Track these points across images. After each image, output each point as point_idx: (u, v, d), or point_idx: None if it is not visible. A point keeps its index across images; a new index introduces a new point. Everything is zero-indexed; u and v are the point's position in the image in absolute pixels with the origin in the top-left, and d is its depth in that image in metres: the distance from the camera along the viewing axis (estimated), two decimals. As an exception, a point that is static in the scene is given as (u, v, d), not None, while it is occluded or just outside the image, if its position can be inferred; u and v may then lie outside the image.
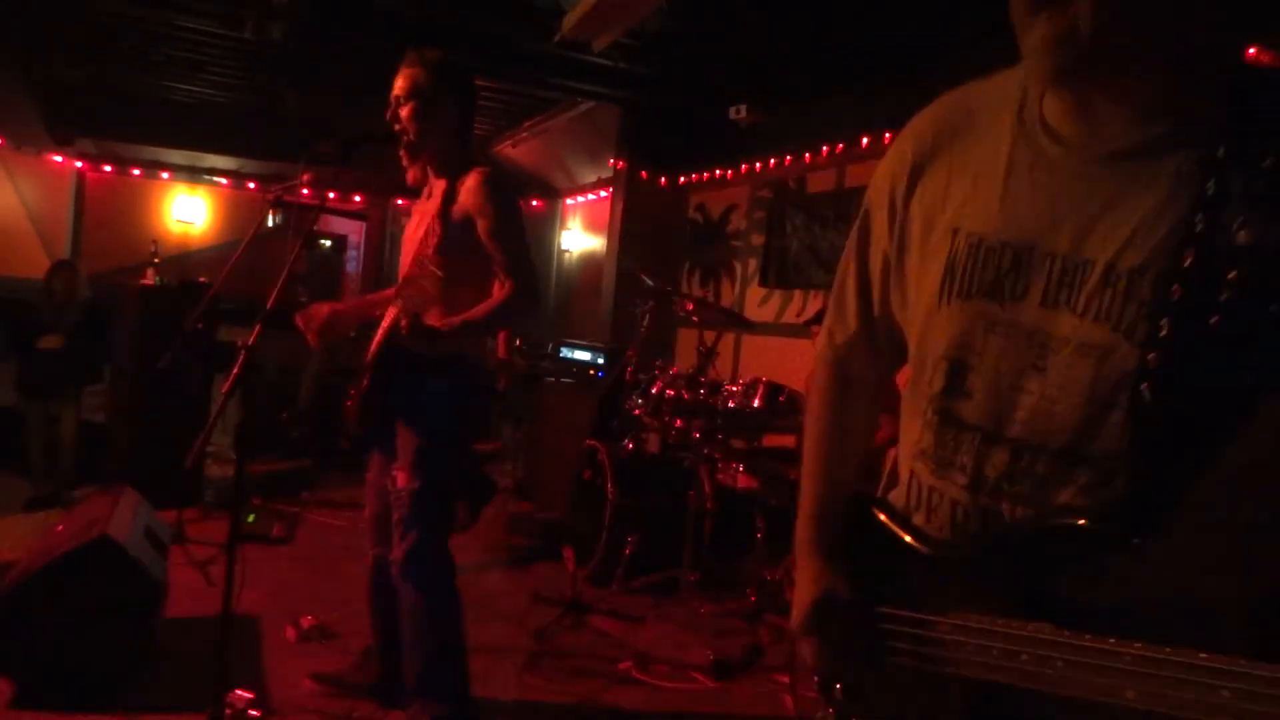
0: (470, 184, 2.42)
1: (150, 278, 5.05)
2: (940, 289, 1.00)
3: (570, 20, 4.42)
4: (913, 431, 1.05)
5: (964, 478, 0.97)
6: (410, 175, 2.58)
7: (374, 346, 2.54)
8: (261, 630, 3.42)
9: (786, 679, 3.33)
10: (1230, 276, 0.80)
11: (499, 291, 2.41)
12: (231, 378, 2.23)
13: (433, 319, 2.36)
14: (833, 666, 1.13)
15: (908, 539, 1.04)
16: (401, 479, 2.46)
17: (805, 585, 1.14)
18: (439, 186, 2.53)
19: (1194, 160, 0.84)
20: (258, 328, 2.27)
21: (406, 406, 2.48)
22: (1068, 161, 0.93)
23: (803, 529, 1.19)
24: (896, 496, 1.08)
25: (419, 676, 2.52)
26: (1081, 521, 0.86)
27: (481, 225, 2.38)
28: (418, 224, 2.57)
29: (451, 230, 2.41)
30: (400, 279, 2.54)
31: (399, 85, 2.49)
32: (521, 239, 2.42)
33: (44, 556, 2.76)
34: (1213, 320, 0.80)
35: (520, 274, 2.36)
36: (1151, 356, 0.83)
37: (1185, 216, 0.83)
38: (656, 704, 3.14)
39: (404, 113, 2.46)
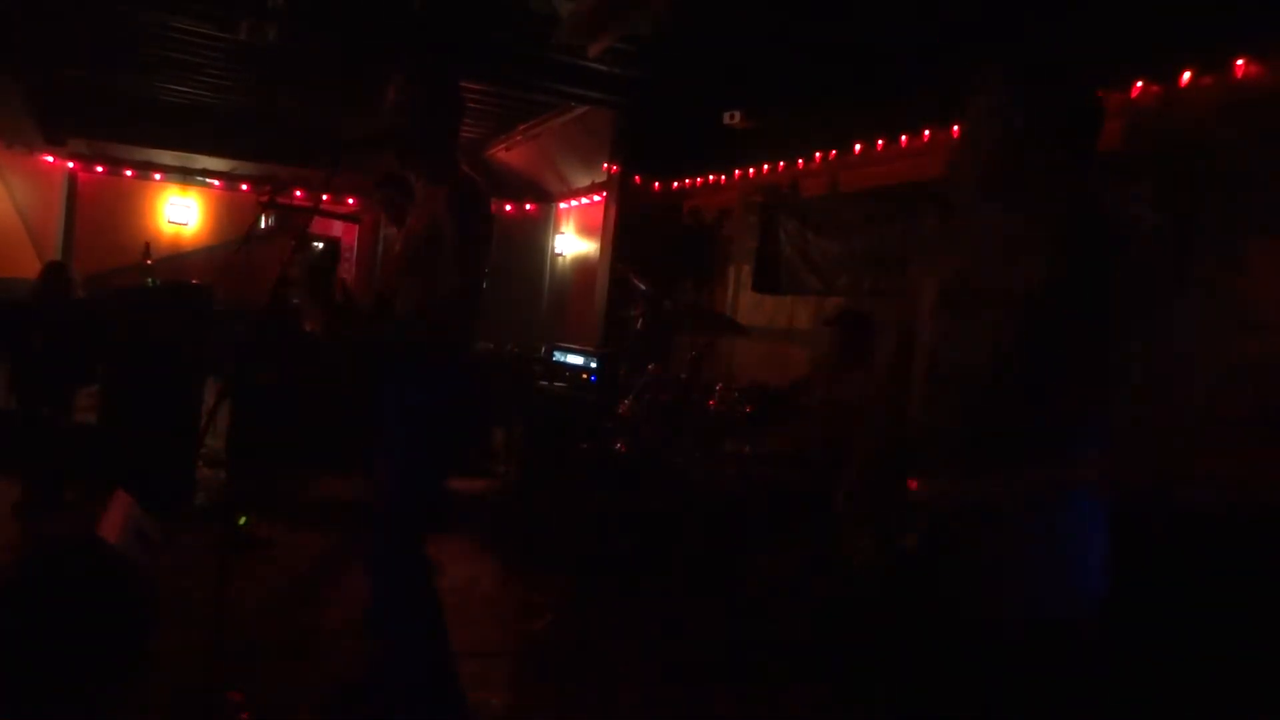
0: (443, 192, 2.46)
1: (143, 278, 5.04)
2: None
3: (565, 25, 4.43)
4: None
5: None
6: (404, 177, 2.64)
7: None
8: (253, 632, 3.41)
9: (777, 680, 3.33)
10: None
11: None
12: (224, 380, 2.24)
13: None
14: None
15: None
16: (383, 471, 2.48)
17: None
18: (425, 195, 2.59)
19: None
20: (251, 330, 2.28)
21: (394, 401, 2.51)
22: None
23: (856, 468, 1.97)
24: None
25: (388, 676, 2.50)
26: None
27: (445, 228, 2.42)
28: (404, 236, 2.64)
29: (424, 235, 2.48)
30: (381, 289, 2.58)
31: (391, 93, 2.54)
32: (475, 247, 2.44)
33: (32, 558, 2.75)
34: None
35: (463, 274, 2.39)
36: None
37: None
38: (652, 706, 3.14)
39: (396, 120, 2.52)
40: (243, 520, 4.74)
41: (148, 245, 5.31)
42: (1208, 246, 3.68)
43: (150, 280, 5.11)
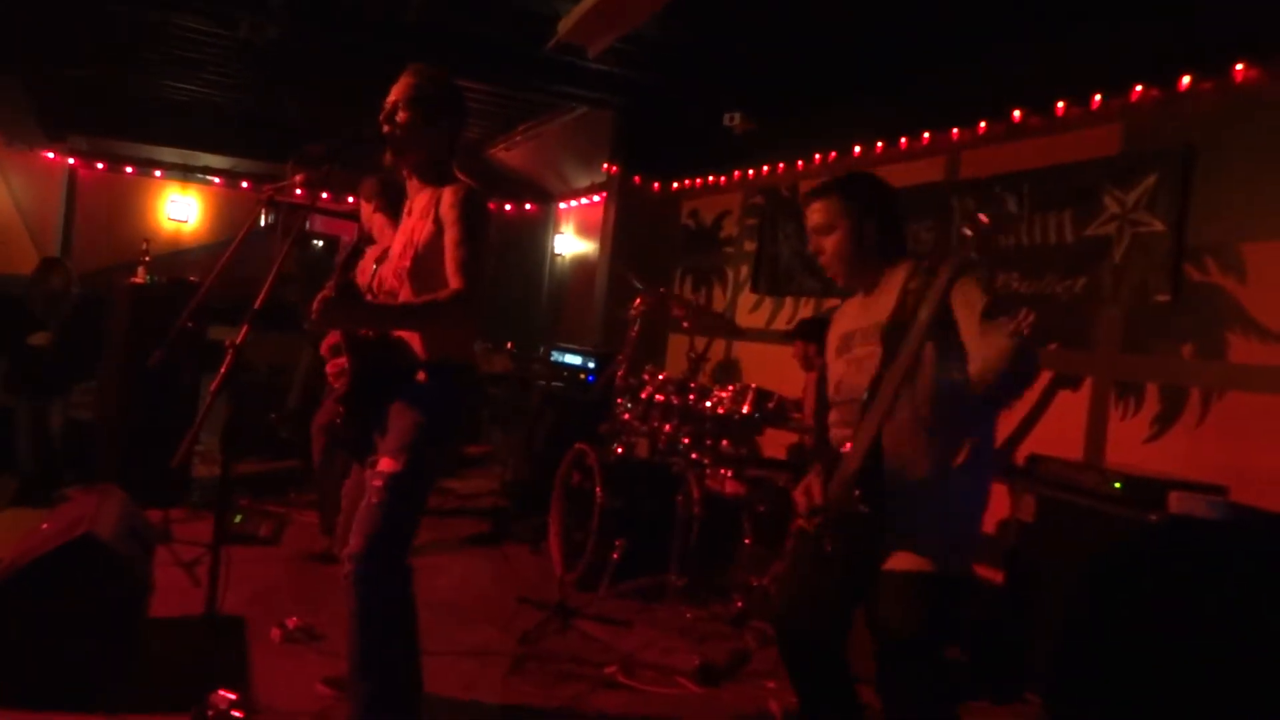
0: (447, 196, 2.48)
1: (141, 276, 5.04)
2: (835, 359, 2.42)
3: (565, 26, 4.43)
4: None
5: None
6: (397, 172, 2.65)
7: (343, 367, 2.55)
8: (247, 631, 3.41)
9: (773, 685, 3.33)
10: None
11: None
12: (219, 377, 2.24)
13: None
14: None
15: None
16: (384, 463, 2.46)
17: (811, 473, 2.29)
18: (421, 199, 2.58)
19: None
20: (245, 327, 2.28)
21: (398, 402, 2.49)
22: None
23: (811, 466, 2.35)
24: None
25: (362, 682, 2.48)
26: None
27: (449, 233, 2.43)
28: (399, 242, 2.62)
29: (430, 244, 2.47)
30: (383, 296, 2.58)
31: (398, 90, 2.55)
32: (479, 252, 2.45)
33: (27, 555, 2.75)
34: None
35: (467, 280, 2.39)
36: None
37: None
38: (642, 709, 3.14)
39: (399, 117, 2.52)
40: (239, 518, 4.76)
41: (146, 243, 5.30)
42: (1206, 250, 3.69)
43: (150, 278, 5.10)
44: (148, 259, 5.11)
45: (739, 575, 4.14)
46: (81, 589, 2.67)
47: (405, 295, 2.54)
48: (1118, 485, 3.19)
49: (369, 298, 2.63)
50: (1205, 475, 3.30)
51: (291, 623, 3.42)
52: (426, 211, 2.52)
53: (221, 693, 2.70)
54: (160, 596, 3.23)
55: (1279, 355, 3.39)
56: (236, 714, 2.69)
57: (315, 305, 2.31)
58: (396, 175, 2.89)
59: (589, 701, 3.14)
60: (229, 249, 2.74)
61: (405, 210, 2.70)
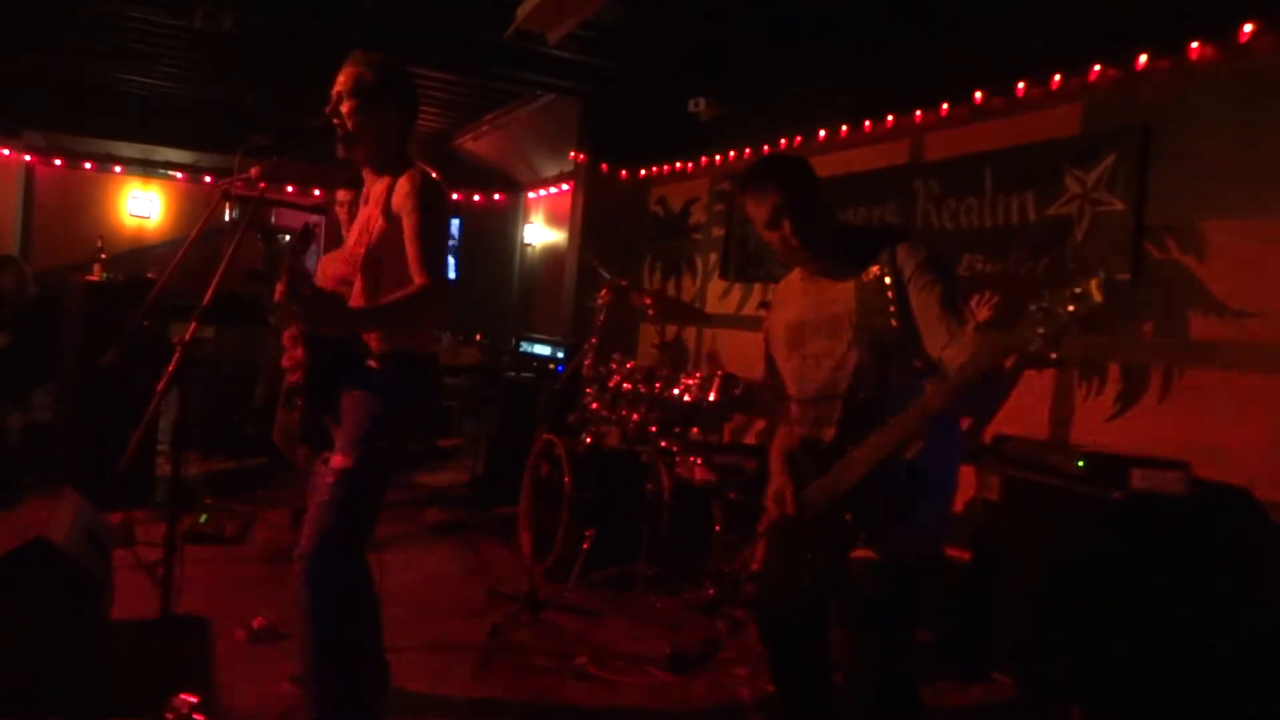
0: (403, 184, 2.43)
1: (97, 274, 4.94)
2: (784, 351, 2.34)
3: (522, 12, 4.37)
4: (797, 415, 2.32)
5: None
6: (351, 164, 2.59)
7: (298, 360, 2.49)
8: (211, 631, 3.36)
9: (743, 672, 3.33)
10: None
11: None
12: (166, 375, 2.19)
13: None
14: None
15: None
16: (336, 459, 2.41)
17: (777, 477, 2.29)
18: (377, 188, 2.53)
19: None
20: (193, 324, 2.22)
21: (351, 393, 2.45)
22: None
23: (774, 466, 2.34)
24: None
25: (317, 680, 2.43)
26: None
27: (407, 223, 2.39)
28: (354, 230, 2.57)
29: (386, 230, 2.43)
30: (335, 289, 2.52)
31: (341, 81, 2.49)
32: (441, 240, 2.43)
33: (-20, 560, 2.69)
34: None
35: (433, 272, 2.35)
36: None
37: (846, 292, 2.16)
38: (613, 700, 3.13)
39: (344, 108, 2.46)
40: (204, 517, 4.69)
41: (101, 239, 5.20)
42: (1165, 229, 3.71)
43: (106, 275, 5.00)
44: (104, 256, 5.01)
45: (710, 562, 4.14)
46: (33, 594, 2.62)
47: (358, 286, 2.49)
48: (1080, 464, 3.21)
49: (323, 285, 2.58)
50: (1168, 451, 3.32)
51: (257, 622, 3.37)
52: (380, 200, 2.48)
53: (183, 696, 2.66)
54: (121, 599, 3.18)
55: (1237, 331, 3.42)
56: (197, 717, 2.64)
57: (277, 299, 2.27)
58: (353, 167, 2.84)
59: (560, 693, 3.12)
60: (184, 244, 2.67)
61: (361, 199, 2.66)
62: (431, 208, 2.39)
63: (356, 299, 2.50)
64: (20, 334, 5.70)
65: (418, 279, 2.34)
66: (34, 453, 5.36)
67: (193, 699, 2.65)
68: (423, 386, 2.55)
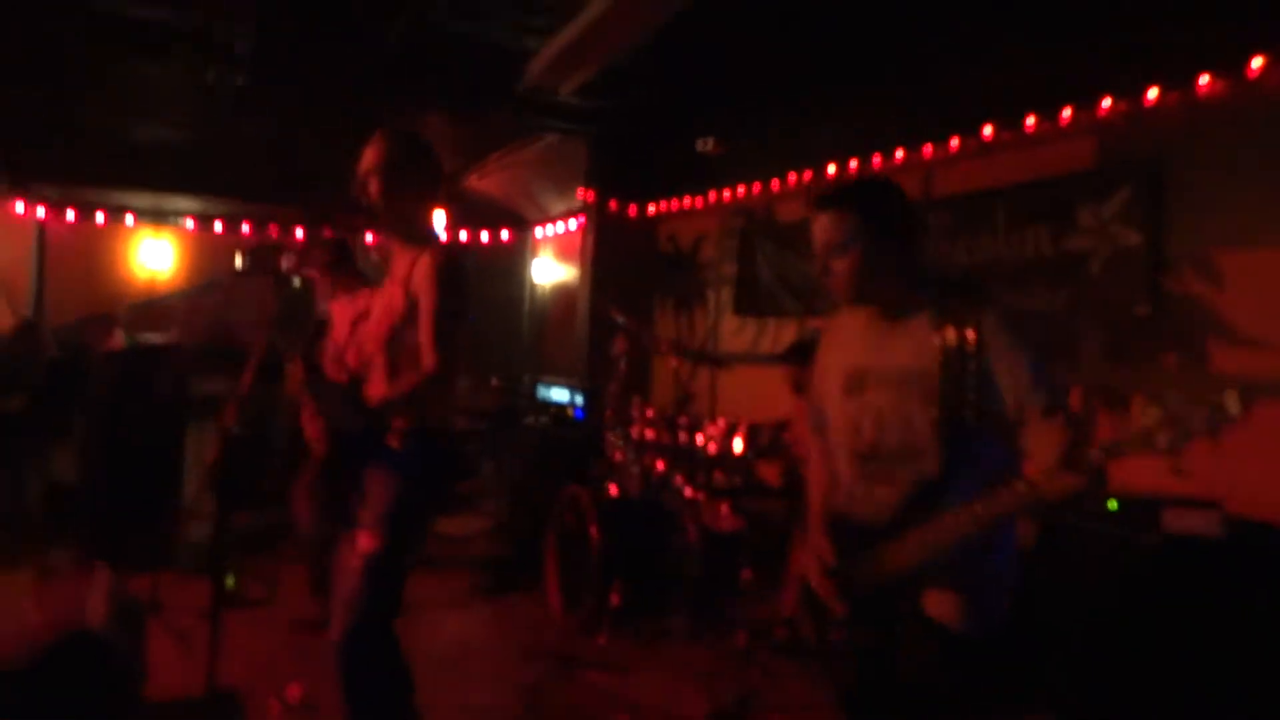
0: (425, 262, 2.47)
1: (118, 340, 4.97)
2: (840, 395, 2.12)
3: (534, 69, 4.41)
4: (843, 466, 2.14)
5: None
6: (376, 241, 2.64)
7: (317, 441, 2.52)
8: (246, 704, 3.34)
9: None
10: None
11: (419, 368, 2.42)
12: (216, 465, 2.23)
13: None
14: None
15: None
16: (362, 540, 2.43)
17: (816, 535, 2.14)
18: (401, 264, 2.57)
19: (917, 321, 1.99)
20: (232, 409, 2.26)
21: (374, 471, 2.47)
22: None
23: (814, 523, 2.19)
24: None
25: None
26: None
27: (424, 302, 2.43)
28: (379, 299, 2.62)
29: (406, 311, 2.47)
30: (357, 363, 2.55)
31: (368, 159, 2.53)
32: (456, 323, 2.45)
33: (19, 651, 2.69)
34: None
35: (441, 357, 2.39)
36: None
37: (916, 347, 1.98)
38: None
39: (372, 188, 2.51)
40: (230, 581, 4.68)
41: (123, 306, 5.22)
42: (1182, 261, 3.71)
43: (128, 339, 5.03)
44: (122, 325, 5.03)
45: (741, 609, 4.12)
46: (76, 687, 2.61)
47: (380, 363, 2.53)
48: (1113, 505, 3.20)
49: (348, 358, 2.61)
50: (1195, 484, 3.29)
51: (290, 694, 3.36)
52: (403, 278, 2.51)
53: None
54: (155, 673, 3.17)
55: (1259, 362, 3.41)
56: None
57: (293, 388, 2.31)
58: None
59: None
60: (197, 305, 2.74)
61: (388, 272, 2.69)
62: (449, 288, 2.42)
63: (379, 375, 2.53)
64: (37, 396, 5.72)
65: (428, 362, 2.37)
66: (55, 513, 5.37)
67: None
68: (443, 462, 2.58)
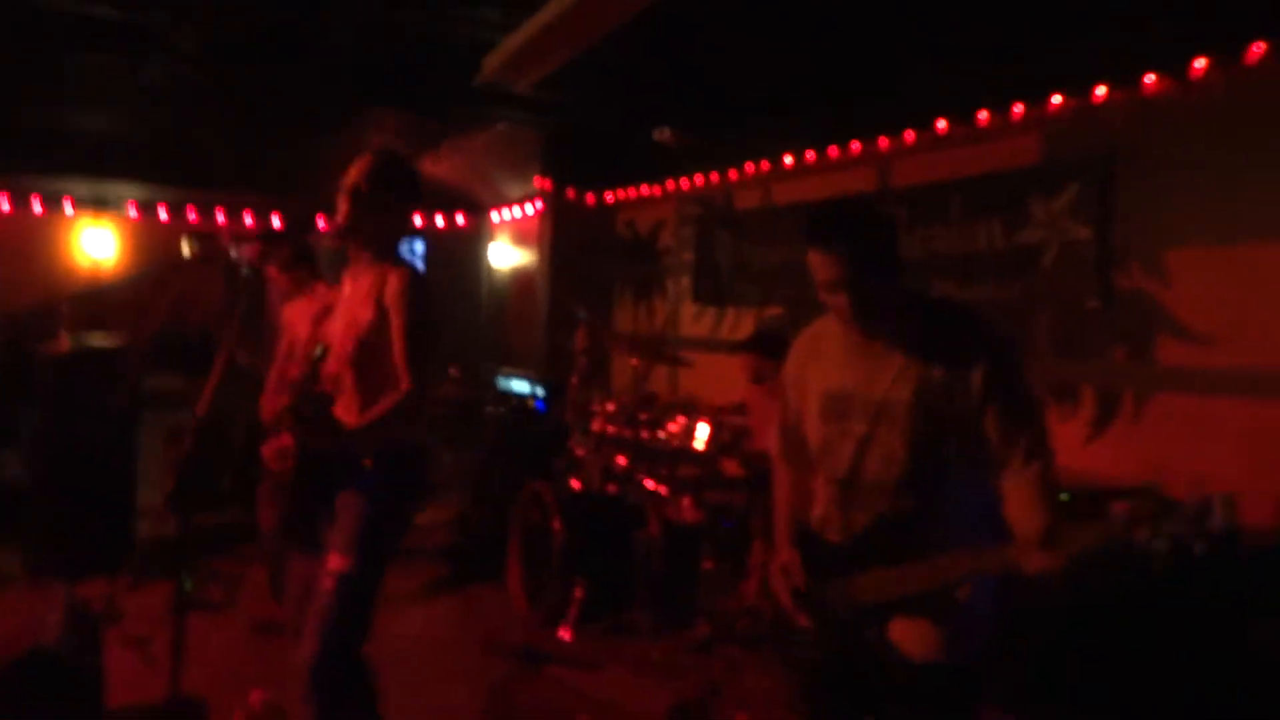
0: (394, 282, 2.50)
1: (64, 342, 4.84)
2: (818, 418, 2.08)
3: (489, 66, 4.36)
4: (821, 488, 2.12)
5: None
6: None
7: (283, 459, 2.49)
8: (208, 712, 3.31)
9: (743, 717, 3.37)
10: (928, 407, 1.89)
11: (392, 392, 2.44)
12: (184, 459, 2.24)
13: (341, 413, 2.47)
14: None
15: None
16: (333, 560, 2.44)
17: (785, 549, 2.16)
18: (364, 280, 2.57)
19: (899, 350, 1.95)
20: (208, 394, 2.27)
21: (346, 493, 2.46)
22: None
23: (781, 536, 2.21)
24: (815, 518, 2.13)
25: None
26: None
27: (396, 321, 2.46)
28: (338, 314, 2.61)
29: (373, 328, 2.49)
30: (323, 379, 2.53)
31: (357, 172, 2.56)
32: (427, 344, 2.48)
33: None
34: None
35: (416, 378, 2.42)
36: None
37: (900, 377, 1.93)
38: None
39: (349, 203, 2.54)
40: (188, 585, 4.61)
41: (67, 305, 5.06)
42: (1131, 256, 3.81)
43: (74, 340, 4.89)
44: (68, 329, 4.90)
45: (703, 600, 4.17)
46: (34, 705, 2.58)
47: (349, 380, 2.53)
48: (1064, 498, 3.28)
49: (313, 361, 2.59)
50: (1142, 474, 3.43)
51: (254, 700, 3.34)
52: (370, 294, 2.52)
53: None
54: (113, 683, 3.12)
55: (1205, 357, 3.53)
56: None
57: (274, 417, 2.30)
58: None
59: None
60: (146, 306, 2.71)
61: (347, 279, 2.68)
62: (419, 308, 2.46)
63: (348, 389, 2.52)
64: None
65: (403, 383, 2.40)
66: (3, 515, 5.23)
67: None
68: (415, 480, 2.61)
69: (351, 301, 2.58)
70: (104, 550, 4.71)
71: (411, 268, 2.54)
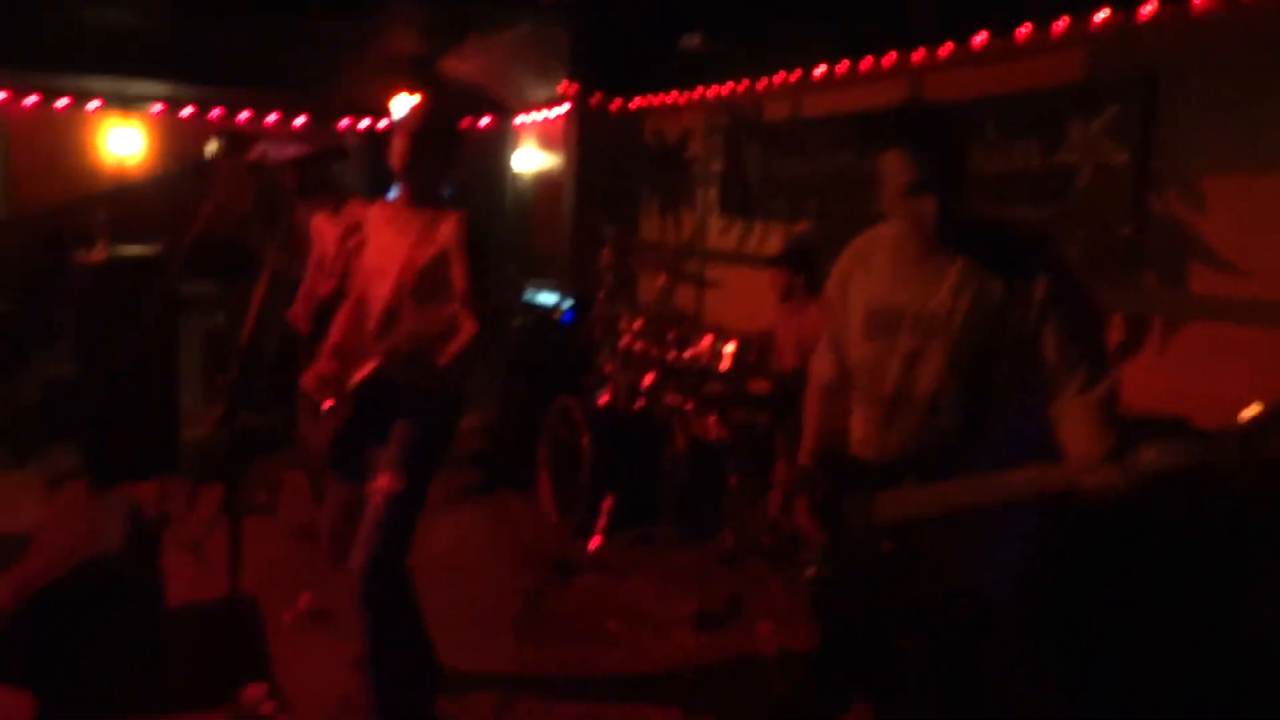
0: (450, 224, 2.61)
1: (101, 250, 4.91)
2: (861, 334, 2.02)
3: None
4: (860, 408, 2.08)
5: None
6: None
7: (358, 377, 2.59)
8: (261, 612, 3.51)
9: (766, 629, 3.54)
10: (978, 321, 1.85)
11: (463, 325, 2.55)
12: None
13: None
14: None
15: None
16: (385, 479, 2.57)
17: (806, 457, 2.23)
18: (416, 221, 2.65)
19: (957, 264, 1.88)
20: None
21: (403, 420, 2.61)
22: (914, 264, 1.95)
23: (806, 444, 2.25)
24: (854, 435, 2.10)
25: (382, 699, 2.64)
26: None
27: (457, 267, 2.57)
28: (384, 251, 2.68)
29: (430, 266, 2.59)
30: (380, 311, 2.61)
31: (412, 116, 2.65)
32: (487, 285, 2.60)
33: (39, 575, 2.82)
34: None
35: (480, 319, 2.54)
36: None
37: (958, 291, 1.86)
38: (645, 666, 3.32)
39: (408, 142, 2.61)
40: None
41: (102, 216, 5.09)
42: (1168, 182, 3.75)
43: (110, 249, 4.95)
44: (105, 238, 4.96)
45: (727, 514, 4.31)
46: (98, 606, 2.77)
47: (407, 310, 2.62)
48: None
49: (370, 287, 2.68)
50: (1169, 403, 3.47)
51: (302, 602, 3.54)
52: (426, 235, 2.61)
53: (250, 688, 2.85)
54: (171, 583, 3.29)
55: (1238, 286, 3.51)
56: (267, 707, 2.84)
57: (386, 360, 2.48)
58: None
59: (594, 663, 3.31)
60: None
61: (385, 219, 2.74)
62: (477, 252, 2.58)
63: (407, 317, 2.63)
64: (19, 300, 5.69)
65: (467, 326, 2.51)
66: (55, 410, 5.39)
67: (260, 689, 2.85)
68: (459, 408, 2.76)
69: (403, 241, 2.64)
70: (156, 453, 4.90)
71: (464, 214, 2.63)
